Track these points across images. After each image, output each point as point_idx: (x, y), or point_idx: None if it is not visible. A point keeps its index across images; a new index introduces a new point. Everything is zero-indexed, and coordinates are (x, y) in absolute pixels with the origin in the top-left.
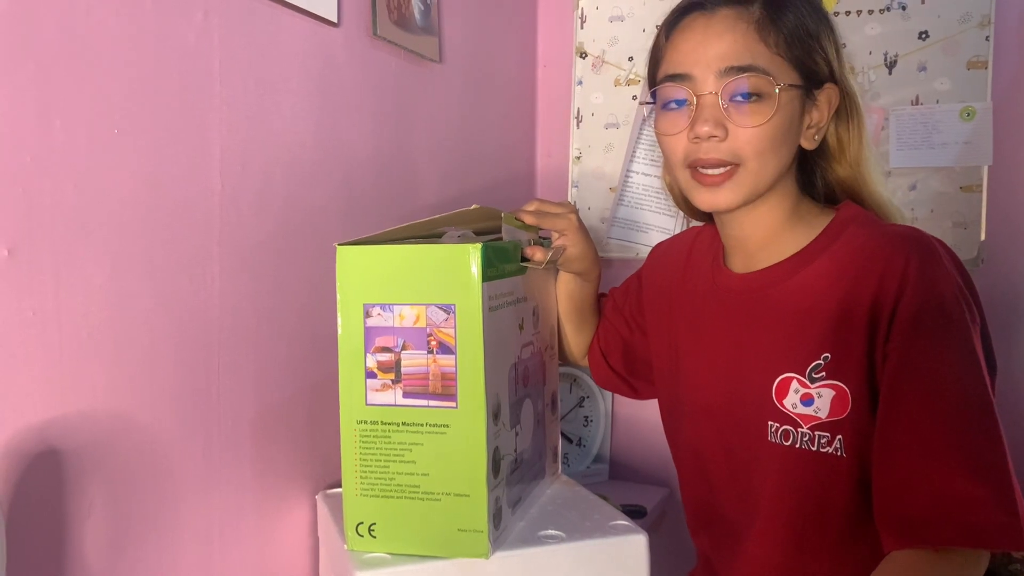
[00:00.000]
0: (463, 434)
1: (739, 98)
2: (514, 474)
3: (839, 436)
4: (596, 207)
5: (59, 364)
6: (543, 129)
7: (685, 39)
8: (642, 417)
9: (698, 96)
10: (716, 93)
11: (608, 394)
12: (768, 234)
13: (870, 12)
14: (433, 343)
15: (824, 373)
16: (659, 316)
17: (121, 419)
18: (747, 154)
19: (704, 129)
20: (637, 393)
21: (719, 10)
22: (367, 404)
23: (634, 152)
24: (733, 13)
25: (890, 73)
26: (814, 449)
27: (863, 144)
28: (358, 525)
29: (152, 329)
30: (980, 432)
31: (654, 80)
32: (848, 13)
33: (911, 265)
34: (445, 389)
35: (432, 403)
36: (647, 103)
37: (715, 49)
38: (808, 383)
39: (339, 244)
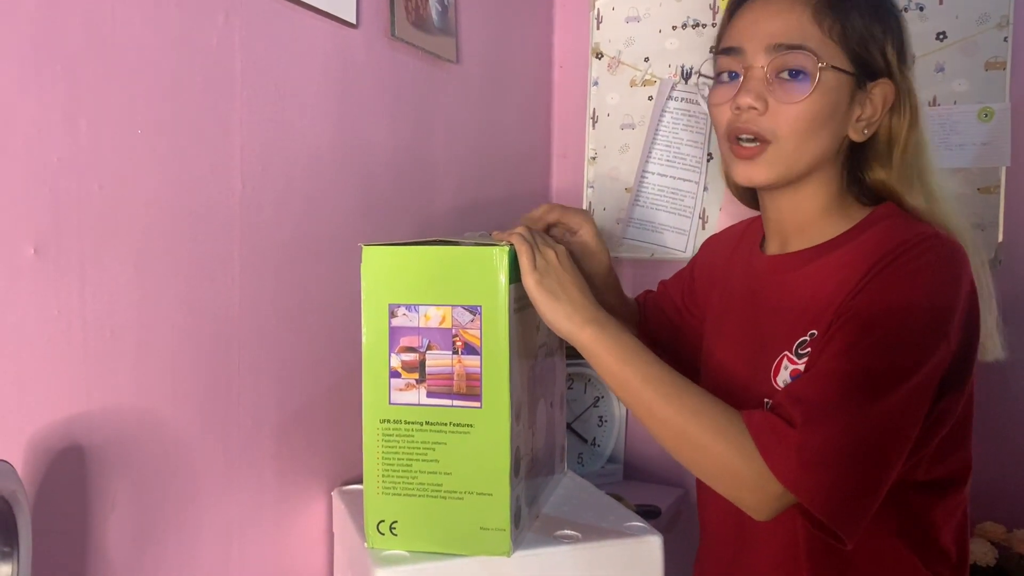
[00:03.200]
0: (487, 434)
1: (785, 75)
2: (530, 472)
3: None
4: (611, 207)
5: (83, 362)
6: (559, 129)
7: (743, 16)
8: None
9: (746, 69)
10: (763, 67)
11: None
12: (805, 220)
13: None
14: (459, 343)
15: (809, 349)
16: (707, 303)
17: (144, 417)
18: (783, 131)
19: (745, 100)
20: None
21: None
22: (391, 403)
23: (650, 153)
24: None
25: None
26: None
27: (918, 151)
28: (379, 523)
29: (174, 328)
30: (855, 413)
31: (712, 52)
32: None
33: (898, 253)
34: (470, 389)
35: (456, 403)
36: (704, 76)
37: (768, 26)
38: (795, 359)
39: (365, 245)
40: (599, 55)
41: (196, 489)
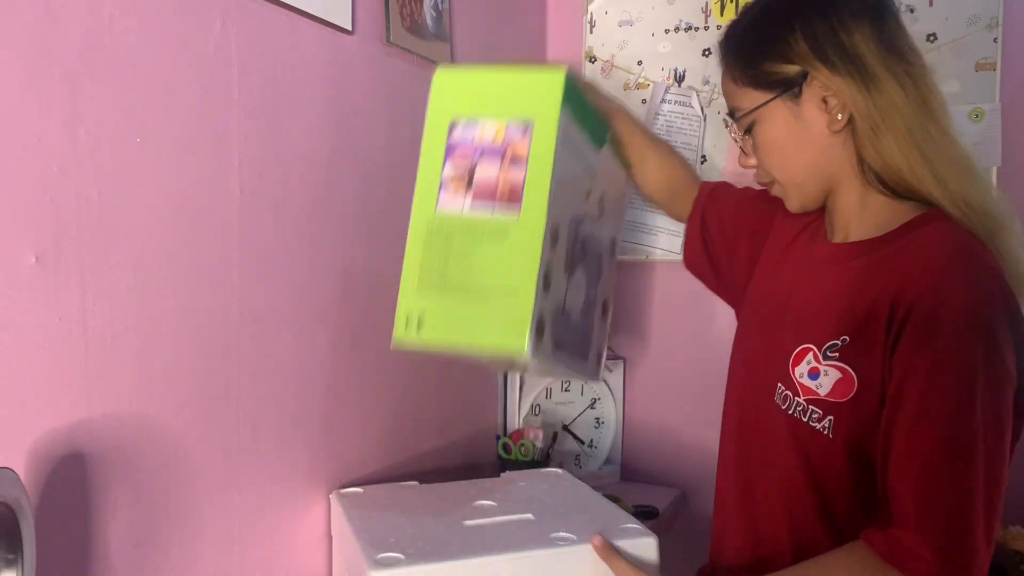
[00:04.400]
0: (521, 241)
1: (745, 133)
2: (560, 319)
3: (830, 417)
4: None
5: (84, 369)
6: None
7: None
8: (653, 419)
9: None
10: (738, 133)
11: (619, 396)
12: (848, 215)
13: None
14: (507, 157)
15: (838, 354)
16: (763, 256)
17: (144, 422)
18: (771, 172)
19: (746, 163)
20: (719, 281)
21: (723, 69)
22: (437, 211)
23: None
24: (722, 70)
25: None
26: (804, 420)
27: (898, 125)
28: (407, 318)
29: (174, 334)
30: (945, 479)
31: None
32: None
33: (941, 277)
34: (512, 197)
35: (497, 211)
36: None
37: (724, 101)
38: (821, 359)
39: (439, 67)
40: (592, 59)
41: (197, 494)
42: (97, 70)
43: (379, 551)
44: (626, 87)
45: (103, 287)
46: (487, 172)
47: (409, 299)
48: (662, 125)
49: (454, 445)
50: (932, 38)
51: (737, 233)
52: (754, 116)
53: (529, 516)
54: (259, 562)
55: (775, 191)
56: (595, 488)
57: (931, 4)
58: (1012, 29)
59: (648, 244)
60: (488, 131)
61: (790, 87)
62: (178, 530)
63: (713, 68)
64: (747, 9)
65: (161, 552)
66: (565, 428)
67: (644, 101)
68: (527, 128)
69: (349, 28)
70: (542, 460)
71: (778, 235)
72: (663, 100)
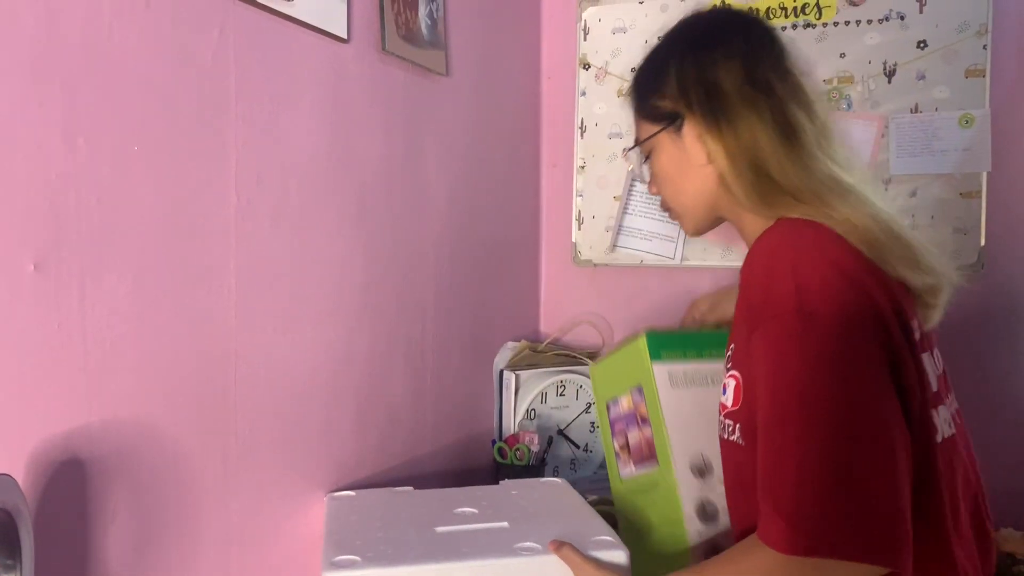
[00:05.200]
0: (666, 489)
1: (644, 162)
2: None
3: (738, 424)
4: (601, 215)
5: (83, 375)
6: (548, 139)
7: None
8: None
9: None
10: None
11: None
12: (743, 237)
13: (869, 22)
14: (639, 420)
15: (731, 363)
16: None
17: (143, 428)
18: (665, 200)
19: (651, 191)
20: None
21: None
22: (621, 478)
23: None
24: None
25: (889, 82)
26: (727, 438)
27: (752, 159)
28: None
29: (172, 340)
30: (804, 452)
31: None
32: (848, 23)
33: (759, 266)
34: (650, 453)
35: (647, 468)
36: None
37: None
38: (725, 371)
39: (591, 365)
40: (586, 66)
41: (195, 498)
42: (96, 78)
43: (338, 553)
44: (619, 94)
45: (102, 294)
46: (634, 437)
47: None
48: None
49: (450, 449)
50: (922, 45)
51: None
52: (647, 146)
53: (504, 525)
54: (257, 565)
55: (672, 217)
56: (590, 492)
57: (921, 11)
58: (1001, 36)
59: (642, 249)
60: (624, 403)
61: (672, 120)
62: (176, 534)
63: None
64: (648, 54)
65: (160, 556)
66: (560, 433)
67: None
68: (640, 391)
69: (345, 37)
70: (537, 465)
71: None
72: None
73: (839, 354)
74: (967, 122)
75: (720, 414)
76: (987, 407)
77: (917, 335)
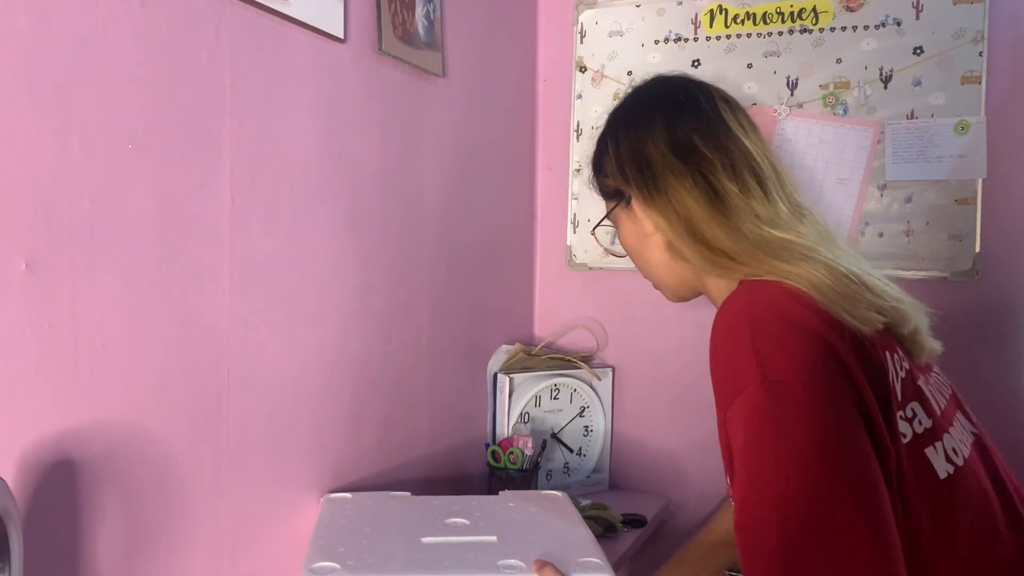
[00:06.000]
0: None
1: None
2: None
3: (729, 484)
4: (596, 219)
5: (74, 376)
6: (544, 142)
7: None
8: (642, 428)
9: None
10: None
11: (608, 405)
12: (714, 303)
13: (866, 28)
14: None
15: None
16: None
17: (134, 430)
18: (639, 270)
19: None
20: None
21: None
22: None
23: None
24: None
25: (885, 88)
26: (726, 494)
27: (689, 226)
28: None
29: (164, 341)
30: (785, 517)
31: None
32: (844, 29)
33: (717, 339)
34: None
35: None
36: None
37: None
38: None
39: None
40: (583, 69)
41: (186, 501)
42: (90, 78)
43: (319, 559)
44: (616, 97)
45: (94, 294)
46: None
47: None
48: None
49: (444, 453)
50: (919, 51)
51: None
52: (609, 221)
53: (493, 539)
54: (248, 568)
55: (654, 286)
56: (583, 497)
57: (918, 18)
58: (997, 43)
59: None
60: None
61: (621, 197)
62: (168, 537)
63: (703, 79)
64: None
65: (151, 560)
66: (554, 436)
67: None
68: None
69: (341, 36)
70: (531, 468)
71: None
72: None
73: (810, 419)
74: (963, 128)
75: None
76: (980, 413)
77: (903, 373)
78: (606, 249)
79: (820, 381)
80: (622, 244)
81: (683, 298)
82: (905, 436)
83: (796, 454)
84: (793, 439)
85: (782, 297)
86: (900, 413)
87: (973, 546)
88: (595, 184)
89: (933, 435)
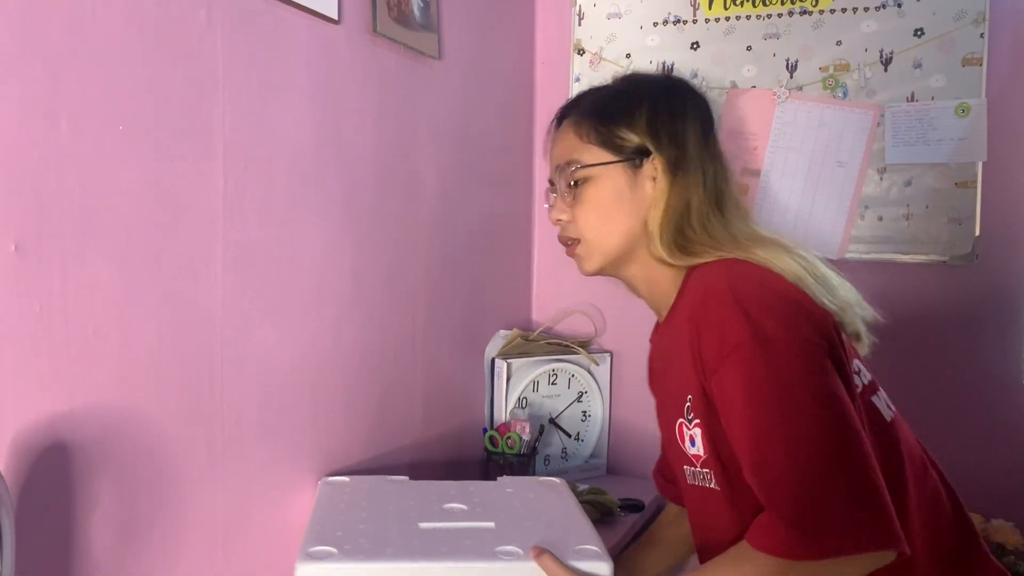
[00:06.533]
0: None
1: (571, 187)
2: None
3: (711, 471)
4: None
5: (66, 359)
6: (541, 125)
7: (547, 150)
8: (639, 413)
9: (556, 191)
10: (560, 186)
11: (606, 390)
12: (656, 284)
13: (866, 9)
14: None
15: (693, 414)
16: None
17: (127, 414)
18: (583, 230)
19: (554, 215)
20: None
21: (560, 123)
22: None
23: None
24: (566, 122)
25: (886, 70)
26: (706, 486)
27: (688, 203)
28: None
29: (157, 326)
30: (789, 461)
31: None
32: (844, 10)
33: (700, 310)
34: None
35: None
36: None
37: (554, 153)
38: (688, 424)
39: None
40: (581, 51)
41: (181, 485)
42: (80, 59)
43: (316, 543)
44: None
45: (85, 277)
46: None
47: None
48: None
49: (441, 438)
50: (919, 33)
51: None
52: (591, 172)
53: (491, 525)
54: (243, 554)
55: (577, 250)
56: (581, 482)
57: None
58: (998, 24)
59: None
60: None
61: (633, 156)
62: (161, 521)
63: (702, 62)
64: (607, 84)
65: (144, 543)
66: (552, 421)
67: None
68: None
69: (335, 18)
70: (528, 453)
71: (651, 376)
72: None
73: (801, 368)
74: (963, 111)
75: (687, 467)
76: (979, 398)
77: (845, 339)
78: (557, 197)
79: (802, 336)
80: (587, 197)
81: (602, 269)
82: (858, 387)
83: (793, 400)
84: (789, 388)
85: (759, 270)
86: (851, 367)
87: (919, 490)
88: (600, 131)
89: (873, 387)
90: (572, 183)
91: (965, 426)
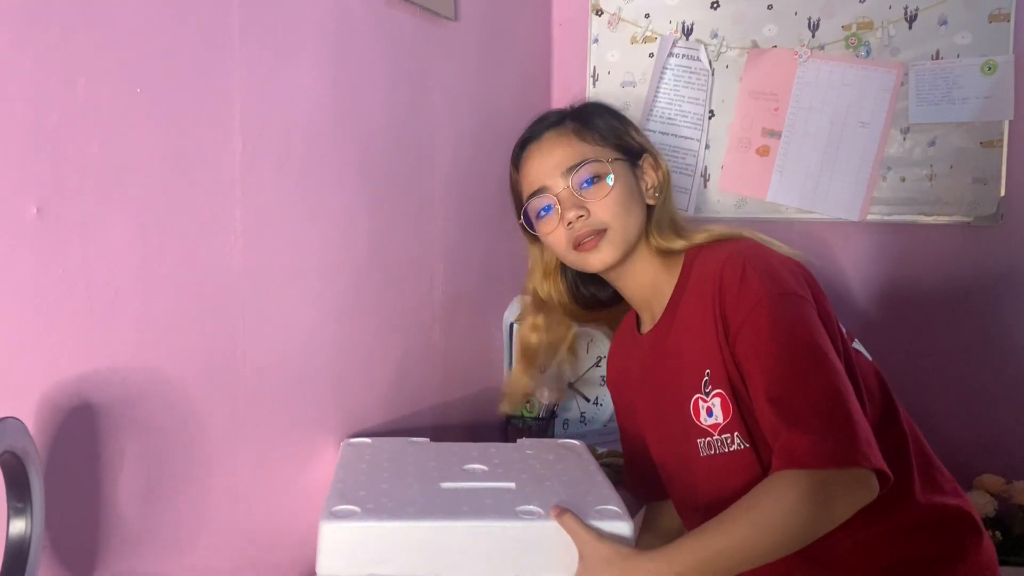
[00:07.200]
0: None
1: (585, 184)
2: None
3: (736, 432)
4: None
5: (88, 321)
6: (559, 88)
7: (530, 163)
8: None
9: (557, 196)
10: (568, 187)
11: None
12: (652, 281)
13: None
14: None
15: (711, 385)
16: (628, 407)
17: (150, 375)
18: (608, 219)
19: (571, 214)
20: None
21: (544, 135)
22: None
23: (651, 111)
24: (554, 133)
25: (910, 27)
26: (728, 450)
27: (669, 197)
28: None
29: (177, 288)
30: (810, 385)
31: (521, 204)
32: None
33: (720, 282)
34: None
35: None
36: (525, 228)
37: (552, 160)
38: (705, 398)
39: None
40: (599, 12)
41: (204, 446)
42: (96, 20)
43: (340, 502)
44: (633, 41)
45: (105, 239)
46: None
47: None
48: (669, 79)
49: (460, 402)
50: None
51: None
52: (613, 168)
53: (511, 485)
54: (268, 512)
55: (604, 240)
56: (600, 445)
57: None
58: None
59: None
60: None
61: (635, 157)
62: (186, 480)
63: (722, 21)
64: (585, 104)
65: (169, 502)
66: (571, 386)
67: (651, 55)
68: None
69: None
70: (547, 417)
71: (620, 390)
72: (670, 54)
73: (810, 317)
74: (989, 68)
75: (702, 440)
76: (1001, 359)
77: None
78: (576, 195)
79: (805, 293)
80: (616, 190)
81: (620, 259)
82: (843, 331)
83: (809, 340)
84: (806, 335)
85: (755, 243)
86: (835, 315)
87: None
88: (616, 133)
89: (851, 337)
90: (587, 182)
91: (988, 388)
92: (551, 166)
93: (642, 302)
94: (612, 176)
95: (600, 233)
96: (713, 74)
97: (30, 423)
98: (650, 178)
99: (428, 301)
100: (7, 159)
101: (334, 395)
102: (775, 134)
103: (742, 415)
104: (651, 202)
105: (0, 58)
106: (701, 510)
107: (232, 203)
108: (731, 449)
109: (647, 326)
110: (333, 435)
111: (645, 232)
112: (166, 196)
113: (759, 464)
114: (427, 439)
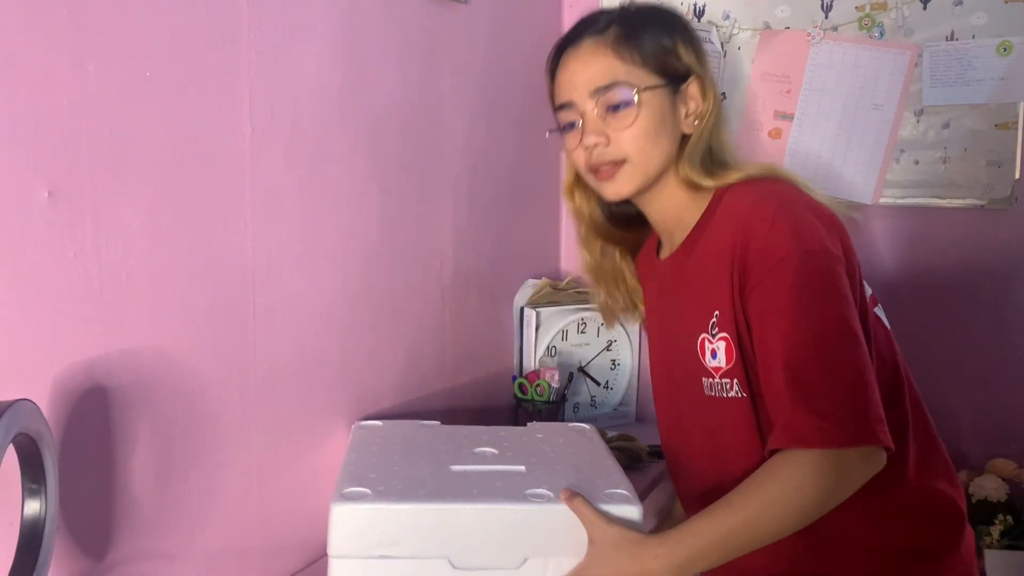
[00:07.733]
0: None
1: (611, 110)
2: None
3: (735, 379)
4: None
5: (100, 305)
6: None
7: (562, 75)
8: None
9: (581, 115)
10: (593, 109)
11: (636, 338)
12: (676, 211)
13: None
14: None
15: (718, 328)
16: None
17: (161, 358)
18: (628, 151)
19: (590, 139)
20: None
21: (582, 42)
22: None
23: None
24: (592, 41)
25: (924, 8)
26: (726, 396)
27: (721, 126)
28: None
29: (188, 272)
30: (828, 357)
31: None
32: None
33: (746, 227)
34: None
35: None
36: (553, 131)
37: (583, 76)
38: (711, 339)
39: None
40: None
41: (215, 428)
42: (104, 5)
43: (350, 484)
44: None
45: (117, 223)
46: None
47: None
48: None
49: (470, 385)
50: None
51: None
52: (644, 96)
53: (521, 469)
54: (279, 494)
55: (621, 171)
56: (610, 429)
57: None
58: None
59: None
60: None
61: (678, 81)
62: (197, 463)
63: (734, 3)
64: (625, 7)
65: (181, 484)
66: (581, 370)
67: None
68: None
69: None
70: (558, 401)
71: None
72: None
73: (835, 280)
74: (1005, 50)
75: (706, 379)
76: (1015, 342)
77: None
78: (597, 119)
79: (834, 251)
80: (641, 119)
81: (637, 191)
82: (868, 292)
83: (835, 315)
84: (833, 302)
85: (790, 186)
86: (860, 273)
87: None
88: (647, 50)
89: (874, 300)
90: (614, 107)
91: (1001, 372)
92: (581, 81)
93: (664, 229)
94: (641, 104)
95: (618, 163)
96: (725, 56)
97: (44, 406)
98: (694, 104)
99: (438, 284)
100: (18, 144)
101: (345, 378)
102: (787, 116)
103: (744, 364)
104: (688, 131)
105: (10, 42)
106: (694, 452)
107: (242, 186)
108: (728, 395)
109: (666, 252)
110: (344, 418)
111: (676, 161)
112: (176, 180)
113: (754, 416)
114: (438, 422)
